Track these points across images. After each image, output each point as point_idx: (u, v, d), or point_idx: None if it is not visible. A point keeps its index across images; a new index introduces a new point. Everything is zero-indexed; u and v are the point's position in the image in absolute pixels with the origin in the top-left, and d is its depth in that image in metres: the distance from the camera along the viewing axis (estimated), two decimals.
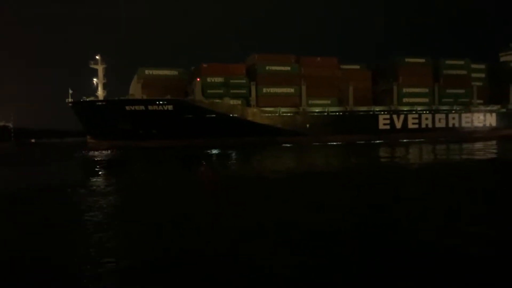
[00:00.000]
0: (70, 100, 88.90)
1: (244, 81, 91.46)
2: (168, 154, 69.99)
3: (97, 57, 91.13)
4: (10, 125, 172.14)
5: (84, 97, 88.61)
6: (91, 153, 79.90)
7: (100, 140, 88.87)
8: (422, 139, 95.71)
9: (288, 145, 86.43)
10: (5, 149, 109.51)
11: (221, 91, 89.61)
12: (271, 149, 76.26)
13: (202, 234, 17.67)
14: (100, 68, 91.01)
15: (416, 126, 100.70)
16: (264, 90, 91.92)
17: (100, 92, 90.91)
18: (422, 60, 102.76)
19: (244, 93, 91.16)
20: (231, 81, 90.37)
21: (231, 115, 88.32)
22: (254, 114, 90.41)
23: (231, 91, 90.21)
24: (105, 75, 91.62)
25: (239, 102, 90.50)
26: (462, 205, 22.44)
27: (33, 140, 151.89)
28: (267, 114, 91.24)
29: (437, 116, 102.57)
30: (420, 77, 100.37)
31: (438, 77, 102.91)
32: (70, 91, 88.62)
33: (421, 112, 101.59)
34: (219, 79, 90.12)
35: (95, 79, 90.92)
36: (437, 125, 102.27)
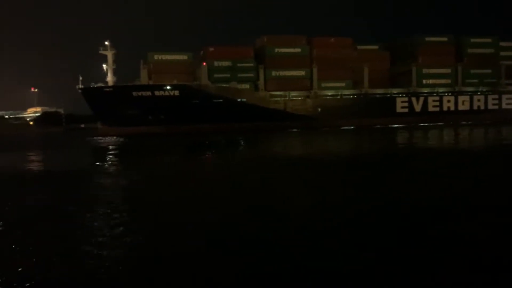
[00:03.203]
0: (80, 86, 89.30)
1: (251, 64, 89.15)
2: (174, 141, 69.32)
3: (106, 43, 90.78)
4: (61, 111, 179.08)
5: (92, 83, 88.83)
6: (100, 139, 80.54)
7: (110, 126, 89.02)
8: (443, 123, 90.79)
9: (298, 130, 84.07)
10: (56, 133, 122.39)
11: (228, 75, 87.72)
12: (280, 135, 74.25)
13: None
14: (109, 54, 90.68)
15: (437, 109, 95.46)
16: (273, 73, 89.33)
17: (110, 78, 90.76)
18: (444, 39, 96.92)
19: (252, 77, 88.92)
20: (238, 64, 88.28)
21: (238, 99, 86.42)
22: (263, 98, 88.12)
23: (239, 75, 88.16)
24: (114, 61, 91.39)
25: (247, 86, 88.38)
26: None
27: (82, 125, 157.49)
28: (276, 98, 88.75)
29: (461, 98, 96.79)
30: (442, 57, 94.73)
31: (461, 56, 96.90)
32: (80, 78, 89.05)
33: (442, 94, 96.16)
34: (226, 63, 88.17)
35: (104, 65, 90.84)
36: (460, 107, 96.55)
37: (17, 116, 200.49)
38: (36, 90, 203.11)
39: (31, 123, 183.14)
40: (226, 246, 14.01)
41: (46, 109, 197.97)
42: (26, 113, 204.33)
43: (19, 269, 12.41)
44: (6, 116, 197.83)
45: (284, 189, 24.30)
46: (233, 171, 33.14)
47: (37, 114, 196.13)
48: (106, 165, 41.04)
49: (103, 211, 19.82)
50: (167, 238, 15.32)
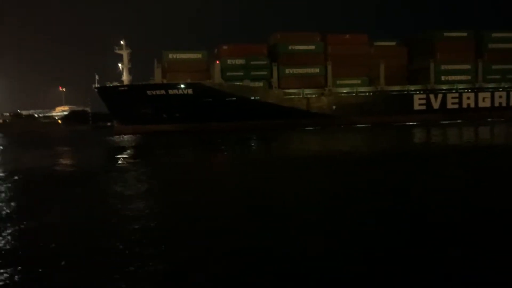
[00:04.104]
0: (96, 85, 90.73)
1: (265, 62, 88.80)
2: (189, 139, 69.81)
3: (121, 42, 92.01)
4: (88, 109, 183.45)
5: (108, 83, 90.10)
6: (117, 138, 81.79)
7: (125, 124, 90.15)
8: (462, 120, 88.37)
9: (313, 128, 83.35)
10: (83, 131, 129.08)
11: (241, 73, 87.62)
12: (295, 133, 73.81)
13: None
14: (125, 53, 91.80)
15: (456, 106, 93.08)
16: (287, 70, 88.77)
17: (125, 77, 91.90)
18: (463, 34, 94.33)
19: (266, 74, 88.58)
20: (252, 62, 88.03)
21: (252, 98, 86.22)
22: (276, 96, 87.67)
23: (252, 72, 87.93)
24: (130, 60, 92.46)
25: (261, 84, 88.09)
26: None
27: (108, 124, 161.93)
28: (290, 96, 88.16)
29: (481, 95, 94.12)
30: (461, 53, 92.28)
31: (482, 52, 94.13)
32: (97, 77, 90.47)
33: (462, 90, 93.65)
34: (239, 61, 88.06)
35: (120, 64, 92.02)
36: (481, 104, 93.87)
37: (46, 114, 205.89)
38: (64, 89, 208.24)
39: (60, 121, 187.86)
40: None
41: (74, 107, 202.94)
42: (54, 111, 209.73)
43: None
44: (36, 115, 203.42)
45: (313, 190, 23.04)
46: (254, 172, 31.17)
47: (65, 113, 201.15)
48: (122, 165, 40.34)
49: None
50: None
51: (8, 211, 19.51)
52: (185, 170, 34.27)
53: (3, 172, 34.16)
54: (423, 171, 28.41)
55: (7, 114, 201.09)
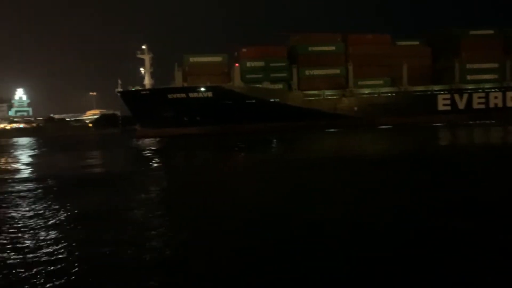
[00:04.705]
0: (119, 89, 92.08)
1: (284, 63, 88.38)
2: (208, 142, 70.26)
3: (143, 47, 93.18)
4: (118, 113, 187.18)
5: (130, 87, 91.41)
6: (140, 141, 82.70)
7: (147, 128, 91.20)
8: (490, 121, 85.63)
9: (334, 130, 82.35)
10: (113, 135, 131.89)
11: (261, 75, 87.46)
12: (317, 135, 73.16)
13: None
14: (146, 58, 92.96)
15: (482, 106, 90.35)
16: (307, 72, 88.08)
17: (147, 81, 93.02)
18: (490, 32, 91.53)
19: (285, 76, 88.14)
20: (271, 64, 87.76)
21: (271, 100, 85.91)
22: (296, 97, 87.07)
23: (271, 74, 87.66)
24: (152, 65, 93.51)
25: (280, 86, 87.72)
26: None
27: (136, 127, 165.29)
28: (310, 98, 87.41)
29: (509, 94, 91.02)
30: (488, 51, 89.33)
31: (510, 50, 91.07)
32: (119, 81, 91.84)
33: (489, 90, 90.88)
34: (259, 63, 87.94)
35: (142, 69, 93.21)
36: (509, 104, 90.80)
37: (77, 118, 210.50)
38: (94, 93, 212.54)
39: (90, 125, 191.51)
40: None
41: (104, 111, 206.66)
42: (85, 115, 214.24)
43: None
44: (68, 119, 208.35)
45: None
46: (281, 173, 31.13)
47: (95, 117, 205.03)
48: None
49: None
50: None
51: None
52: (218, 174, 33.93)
53: (42, 175, 35.31)
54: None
55: (41, 118, 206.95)
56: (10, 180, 32.54)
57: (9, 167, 44.26)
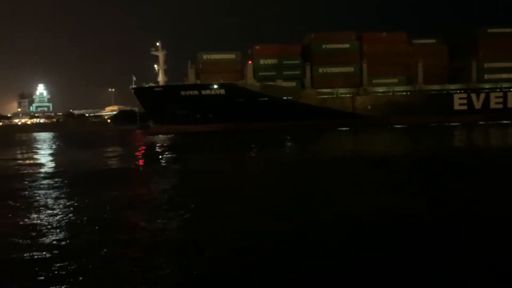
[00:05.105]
0: (133, 86, 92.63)
1: (297, 61, 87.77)
2: (221, 139, 70.43)
3: (157, 43, 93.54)
4: (136, 109, 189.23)
5: (144, 83, 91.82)
6: (153, 138, 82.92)
7: (160, 124, 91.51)
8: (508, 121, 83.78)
9: (348, 129, 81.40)
10: (131, 131, 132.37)
11: (274, 73, 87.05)
12: (330, 134, 72.49)
13: None
14: (160, 55, 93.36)
15: (500, 106, 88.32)
16: (320, 70, 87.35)
17: (161, 78, 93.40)
18: (509, 29, 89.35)
19: (298, 74, 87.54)
20: (284, 62, 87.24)
21: (284, 98, 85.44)
22: (309, 96, 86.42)
23: (284, 72, 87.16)
24: (165, 61, 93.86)
25: (293, 84, 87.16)
26: None
27: None
28: (323, 96, 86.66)
29: None
30: (507, 50, 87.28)
31: None
32: (134, 78, 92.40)
33: (507, 89, 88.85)
34: (272, 61, 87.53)
35: (156, 66, 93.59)
36: None
37: (96, 114, 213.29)
38: (113, 90, 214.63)
39: (109, 120, 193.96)
40: None
41: (122, 107, 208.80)
42: (104, 111, 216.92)
43: None
44: (87, 115, 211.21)
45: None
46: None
47: (114, 113, 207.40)
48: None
49: None
50: None
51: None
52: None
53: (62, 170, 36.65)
54: None
55: (61, 113, 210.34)
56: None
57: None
